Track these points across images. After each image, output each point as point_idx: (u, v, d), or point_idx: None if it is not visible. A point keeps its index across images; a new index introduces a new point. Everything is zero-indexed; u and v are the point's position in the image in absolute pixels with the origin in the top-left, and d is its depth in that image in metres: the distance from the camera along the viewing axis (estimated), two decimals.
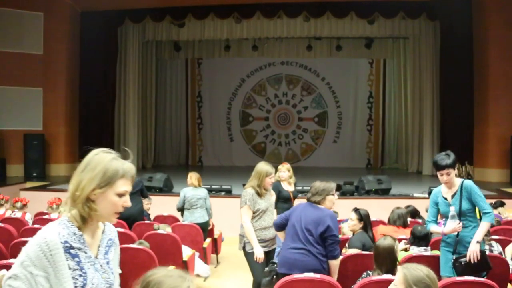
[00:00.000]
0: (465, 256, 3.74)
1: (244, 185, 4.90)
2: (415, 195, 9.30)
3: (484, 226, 3.77)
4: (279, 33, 13.79)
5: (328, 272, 3.74)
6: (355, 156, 16.54)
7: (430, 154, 13.04)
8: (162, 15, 13.19)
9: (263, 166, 4.64)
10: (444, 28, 12.79)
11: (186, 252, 5.43)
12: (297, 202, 6.16)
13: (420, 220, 5.95)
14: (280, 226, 4.19)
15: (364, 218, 4.55)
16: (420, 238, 4.40)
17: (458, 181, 3.92)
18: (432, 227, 4.01)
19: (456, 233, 3.83)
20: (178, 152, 16.94)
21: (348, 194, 9.25)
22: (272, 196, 5.14)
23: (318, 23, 13.41)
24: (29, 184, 10.97)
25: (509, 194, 9.65)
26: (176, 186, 9.95)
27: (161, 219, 6.75)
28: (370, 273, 3.44)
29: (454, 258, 3.80)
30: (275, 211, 5.36)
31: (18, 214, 6.57)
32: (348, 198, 8.99)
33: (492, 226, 5.45)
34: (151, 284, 1.61)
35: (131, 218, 6.00)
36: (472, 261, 3.68)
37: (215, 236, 7.09)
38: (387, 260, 3.33)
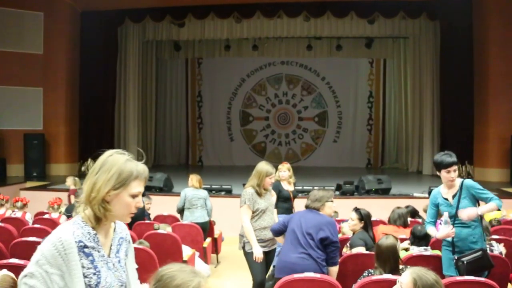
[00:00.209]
0: (467, 255, 3.75)
1: (244, 184, 4.90)
2: (415, 194, 9.30)
3: (490, 205, 3.80)
4: (279, 33, 13.79)
5: None
6: (355, 155, 16.54)
7: (430, 153, 13.04)
8: (162, 15, 13.19)
9: (263, 165, 4.64)
10: (444, 28, 12.79)
11: (186, 251, 5.44)
12: (296, 201, 6.20)
13: (420, 220, 5.95)
14: (278, 232, 4.22)
15: (364, 218, 4.55)
16: (420, 238, 4.40)
17: (458, 181, 3.94)
18: (429, 229, 4.03)
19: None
20: (178, 152, 16.94)
21: (348, 194, 9.25)
22: (273, 196, 5.14)
23: (318, 23, 13.41)
24: (29, 184, 10.98)
25: (509, 194, 9.66)
26: (176, 186, 9.95)
27: (161, 218, 6.76)
28: (372, 271, 3.43)
29: (456, 257, 3.80)
30: (275, 211, 5.36)
31: (18, 214, 6.57)
32: (348, 198, 8.99)
33: (492, 225, 5.48)
34: (164, 277, 1.67)
35: (132, 218, 5.99)
36: (460, 217, 3.73)
37: (215, 236, 7.10)
38: (390, 259, 3.34)
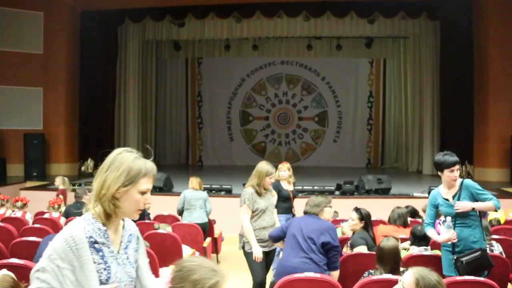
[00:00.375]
0: (466, 255, 3.75)
1: (244, 184, 4.90)
2: (415, 194, 9.30)
3: (488, 203, 3.82)
4: (279, 33, 13.79)
5: None
6: (355, 155, 16.54)
7: (430, 153, 13.04)
8: (162, 15, 13.18)
9: (263, 165, 4.64)
10: (444, 27, 12.79)
11: (186, 251, 5.43)
12: (296, 201, 6.20)
13: (420, 220, 5.94)
14: (277, 239, 4.23)
15: (365, 218, 4.55)
16: (421, 238, 4.40)
17: (458, 181, 3.95)
18: (429, 231, 4.04)
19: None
20: (178, 152, 16.94)
21: (348, 194, 9.25)
22: (273, 197, 5.13)
23: (318, 23, 13.40)
24: (29, 184, 10.98)
25: (509, 194, 9.65)
26: (176, 185, 9.96)
27: (161, 218, 6.76)
28: (372, 272, 3.43)
29: (455, 257, 3.81)
30: (275, 211, 5.36)
31: (18, 214, 6.57)
32: (348, 198, 8.99)
33: (492, 225, 5.48)
34: (185, 269, 1.72)
35: None
36: (455, 208, 3.76)
37: (215, 236, 7.10)
38: (391, 261, 3.34)
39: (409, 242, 4.58)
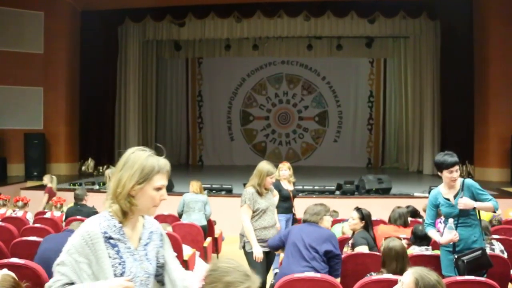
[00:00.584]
0: (466, 254, 3.75)
1: (244, 184, 4.90)
2: (416, 194, 9.29)
3: (488, 203, 3.83)
4: (280, 33, 13.78)
5: None
6: (355, 155, 16.53)
7: (430, 153, 13.04)
8: (162, 15, 13.18)
9: (264, 165, 4.64)
10: (444, 27, 12.79)
11: (187, 251, 5.43)
12: (296, 201, 6.21)
13: (420, 220, 5.94)
14: (275, 248, 4.24)
15: (365, 218, 4.55)
16: (422, 238, 4.40)
17: (459, 181, 3.94)
18: (430, 232, 4.03)
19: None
20: (179, 152, 16.94)
21: (349, 194, 9.24)
22: (274, 196, 5.13)
23: (319, 23, 13.40)
24: (29, 184, 10.99)
25: (509, 194, 9.65)
26: (177, 185, 9.95)
27: (161, 218, 6.74)
28: (374, 274, 3.43)
29: (456, 257, 3.81)
30: (276, 210, 5.35)
31: (19, 213, 6.58)
32: (349, 198, 8.99)
33: (492, 225, 5.48)
34: (219, 270, 1.78)
35: None
36: (458, 204, 3.76)
37: (216, 236, 7.10)
38: (403, 260, 3.38)
39: (405, 241, 4.57)
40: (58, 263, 1.85)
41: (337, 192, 9.36)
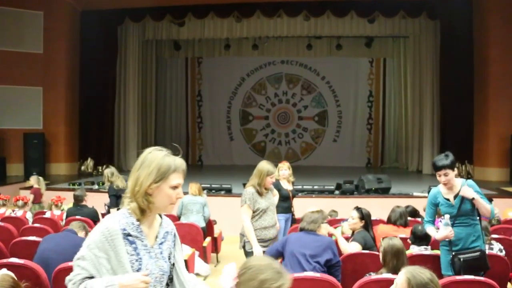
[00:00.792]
0: (465, 253, 3.76)
1: (244, 184, 4.90)
2: (415, 194, 9.30)
3: (487, 204, 3.84)
4: (279, 32, 13.78)
5: None
6: (355, 155, 16.54)
7: (430, 153, 13.04)
8: (162, 14, 13.17)
9: (264, 165, 4.63)
10: (444, 27, 12.78)
11: (186, 251, 5.43)
12: (295, 201, 6.20)
13: (420, 219, 5.94)
14: (274, 258, 4.19)
15: (365, 217, 4.56)
16: (421, 238, 4.40)
17: (459, 182, 3.92)
18: (428, 229, 4.04)
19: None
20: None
21: (348, 193, 9.24)
22: (274, 196, 5.13)
23: (318, 22, 13.40)
24: (29, 183, 10.97)
25: (509, 193, 9.66)
26: None
27: None
28: (373, 274, 3.43)
29: (453, 253, 3.81)
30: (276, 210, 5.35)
31: (18, 213, 6.58)
32: (348, 197, 8.99)
33: (492, 225, 5.48)
34: (252, 268, 1.81)
35: None
36: (461, 192, 3.77)
37: (215, 235, 7.10)
38: (399, 259, 3.39)
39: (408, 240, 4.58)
40: (78, 257, 1.90)
41: (337, 192, 9.36)
